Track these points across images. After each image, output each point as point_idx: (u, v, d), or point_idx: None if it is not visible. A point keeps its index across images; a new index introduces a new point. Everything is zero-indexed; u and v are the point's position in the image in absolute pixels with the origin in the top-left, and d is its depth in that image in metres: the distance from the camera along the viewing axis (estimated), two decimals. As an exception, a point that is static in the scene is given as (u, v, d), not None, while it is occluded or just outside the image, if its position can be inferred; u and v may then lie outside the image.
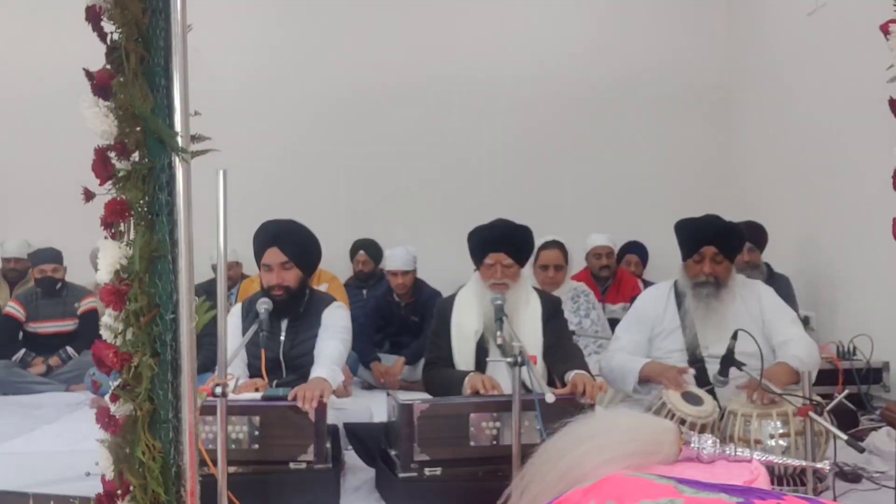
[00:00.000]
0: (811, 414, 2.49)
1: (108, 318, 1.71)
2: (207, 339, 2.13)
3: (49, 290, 5.45)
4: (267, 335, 3.00)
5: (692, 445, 1.74)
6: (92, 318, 5.31)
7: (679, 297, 3.42)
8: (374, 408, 3.65)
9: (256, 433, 2.66)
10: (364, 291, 5.92)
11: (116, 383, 1.70)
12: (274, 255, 3.25)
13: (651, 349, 3.43)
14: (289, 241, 3.27)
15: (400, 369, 5.06)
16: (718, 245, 3.31)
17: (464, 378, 3.00)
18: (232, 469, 2.44)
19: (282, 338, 3.30)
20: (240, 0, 6.77)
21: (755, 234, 5.01)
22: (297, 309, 3.33)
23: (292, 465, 2.69)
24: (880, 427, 3.47)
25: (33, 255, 5.60)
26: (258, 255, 3.32)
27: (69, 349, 5.33)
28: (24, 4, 6.35)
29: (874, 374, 4.16)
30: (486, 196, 6.40)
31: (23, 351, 5.33)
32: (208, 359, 2.91)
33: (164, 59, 1.66)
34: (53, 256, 5.51)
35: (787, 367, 3.01)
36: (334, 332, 3.29)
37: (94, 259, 1.74)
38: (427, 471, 2.66)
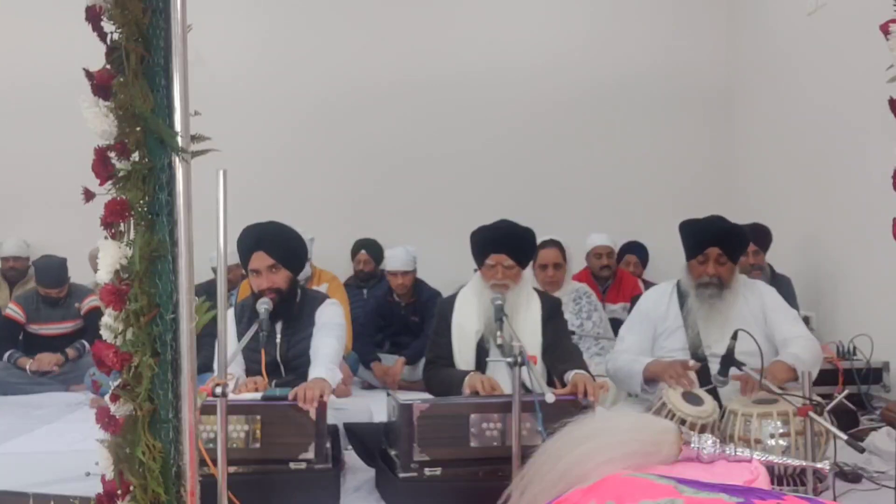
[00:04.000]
0: (811, 414, 2.48)
1: (108, 318, 1.72)
2: (207, 339, 2.13)
3: (52, 302, 5.41)
4: (265, 336, 2.99)
5: (692, 445, 1.74)
6: (97, 315, 5.23)
7: (682, 297, 3.42)
8: (374, 408, 3.65)
9: (256, 433, 2.66)
10: (364, 291, 5.91)
11: (116, 383, 1.70)
12: (261, 260, 3.22)
13: (654, 349, 3.43)
14: (274, 243, 3.24)
15: (401, 369, 5.06)
16: (723, 246, 3.30)
17: (464, 378, 3.01)
18: (232, 469, 2.43)
19: (278, 340, 3.29)
20: (239, 0, 6.78)
21: (760, 237, 5.01)
22: (290, 310, 3.31)
23: (292, 465, 2.68)
24: (880, 427, 3.47)
25: (38, 267, 5.46)
26: (244, 260, 3.29)
27: (85, 343, 5.25)
28: (24, 4, 6.34)
29: (874, 374, 4.16)
30: (486, 197, 6.39)
31: (11, 351, 5.24)
32: (208, 359, 2.90)
33: (164, 59, 1.66)
34: (57, 278, 5.33)
35: (784, 364, 3.02)
36: (329, 329, 3.27)
37: (94, 260, 1.74)
38: (427, 471, 2.65)
